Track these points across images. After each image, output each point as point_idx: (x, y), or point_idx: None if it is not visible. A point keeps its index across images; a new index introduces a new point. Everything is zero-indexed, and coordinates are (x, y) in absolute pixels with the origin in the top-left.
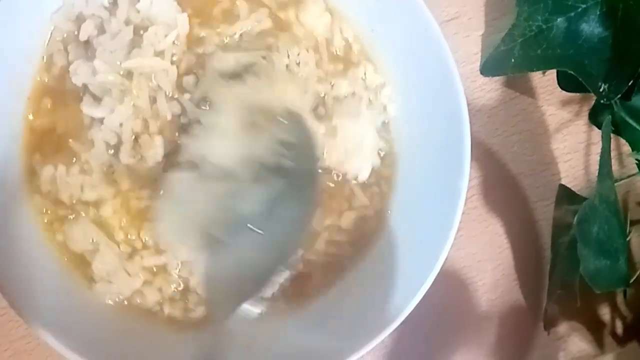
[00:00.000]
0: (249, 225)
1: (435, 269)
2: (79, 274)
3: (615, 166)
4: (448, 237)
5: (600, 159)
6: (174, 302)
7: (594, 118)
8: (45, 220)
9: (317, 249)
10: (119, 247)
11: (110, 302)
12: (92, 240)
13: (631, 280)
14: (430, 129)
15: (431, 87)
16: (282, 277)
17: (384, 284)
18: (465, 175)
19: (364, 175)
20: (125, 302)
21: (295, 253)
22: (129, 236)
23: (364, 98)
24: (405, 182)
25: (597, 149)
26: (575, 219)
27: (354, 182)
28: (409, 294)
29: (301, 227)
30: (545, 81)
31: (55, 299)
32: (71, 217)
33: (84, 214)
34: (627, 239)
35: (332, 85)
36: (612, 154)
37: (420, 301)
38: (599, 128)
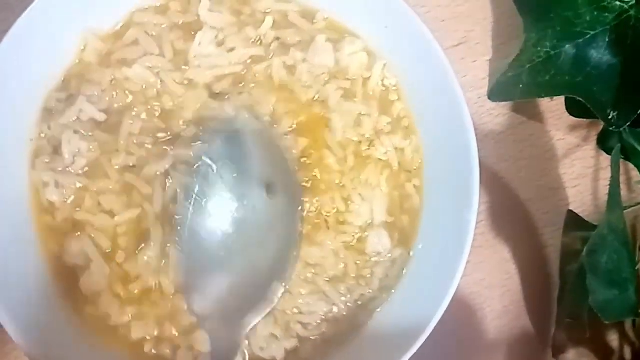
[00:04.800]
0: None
1: (444, 304)
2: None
3: (623, 191)
4: (457, 272)
5: (610, 189)
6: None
7: (603, 143)
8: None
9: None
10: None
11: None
12: (87, 257)
13: None
14: (438, 163)
15: (440, 124)
16: (279, 292)
17: (393, 318)
18: (475, 209)
19: (385, 247)
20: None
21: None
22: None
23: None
24: (424, 215)
25: (605, 174)
26: (585, 250)
27: (376, 258)
28: (418, 330)
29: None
30: (553, 106)
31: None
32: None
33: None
34: (637, 267)
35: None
36: (621, 179)
37: None
38: (608, 153)
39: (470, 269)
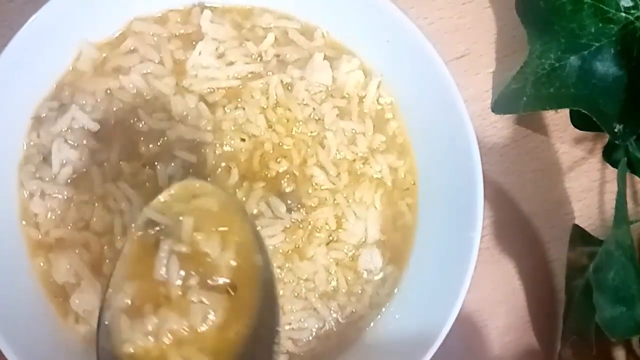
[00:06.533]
0: None
1: (447, 325)
2: (56, 305)
3: (630, 205)
4: (460, 293)
5: (616, 203)
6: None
7: (608, 156)
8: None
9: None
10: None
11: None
12: (76, 274)
13: None
14: (438, 180)
15: (441, 139)
16: None
17: (399, 336)
18: (478, 227)
19: (377, 265)
20: None
21: None
22: None
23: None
24: (418, 233)
25: (611, 187)
26: (591, 266)
27: (367, 276)
28: (419, 349)
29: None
30: (558, 118)
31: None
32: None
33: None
34: None
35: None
36: (628, 192)
37: None
38: (614, 166)
39: (474, 285)
